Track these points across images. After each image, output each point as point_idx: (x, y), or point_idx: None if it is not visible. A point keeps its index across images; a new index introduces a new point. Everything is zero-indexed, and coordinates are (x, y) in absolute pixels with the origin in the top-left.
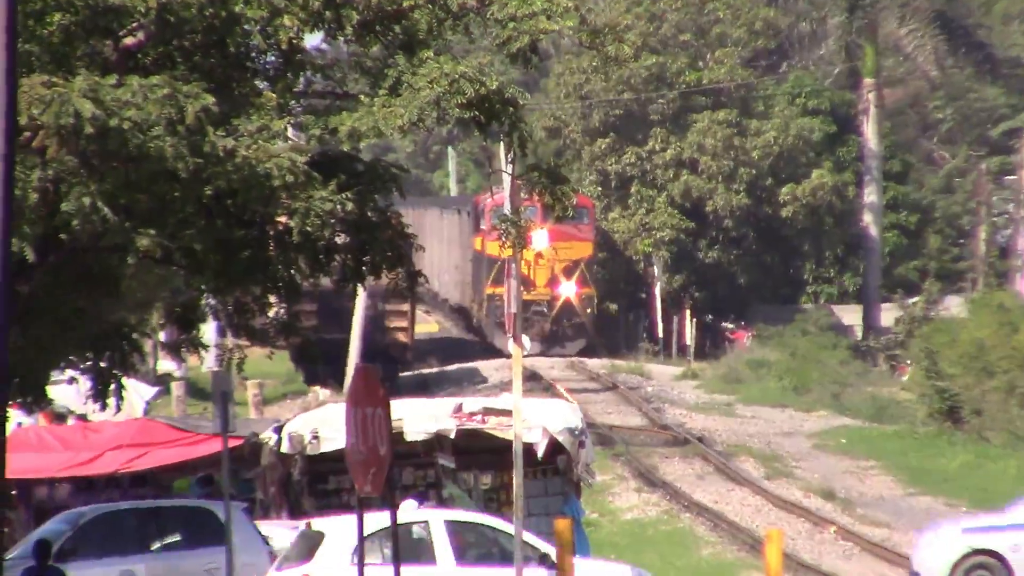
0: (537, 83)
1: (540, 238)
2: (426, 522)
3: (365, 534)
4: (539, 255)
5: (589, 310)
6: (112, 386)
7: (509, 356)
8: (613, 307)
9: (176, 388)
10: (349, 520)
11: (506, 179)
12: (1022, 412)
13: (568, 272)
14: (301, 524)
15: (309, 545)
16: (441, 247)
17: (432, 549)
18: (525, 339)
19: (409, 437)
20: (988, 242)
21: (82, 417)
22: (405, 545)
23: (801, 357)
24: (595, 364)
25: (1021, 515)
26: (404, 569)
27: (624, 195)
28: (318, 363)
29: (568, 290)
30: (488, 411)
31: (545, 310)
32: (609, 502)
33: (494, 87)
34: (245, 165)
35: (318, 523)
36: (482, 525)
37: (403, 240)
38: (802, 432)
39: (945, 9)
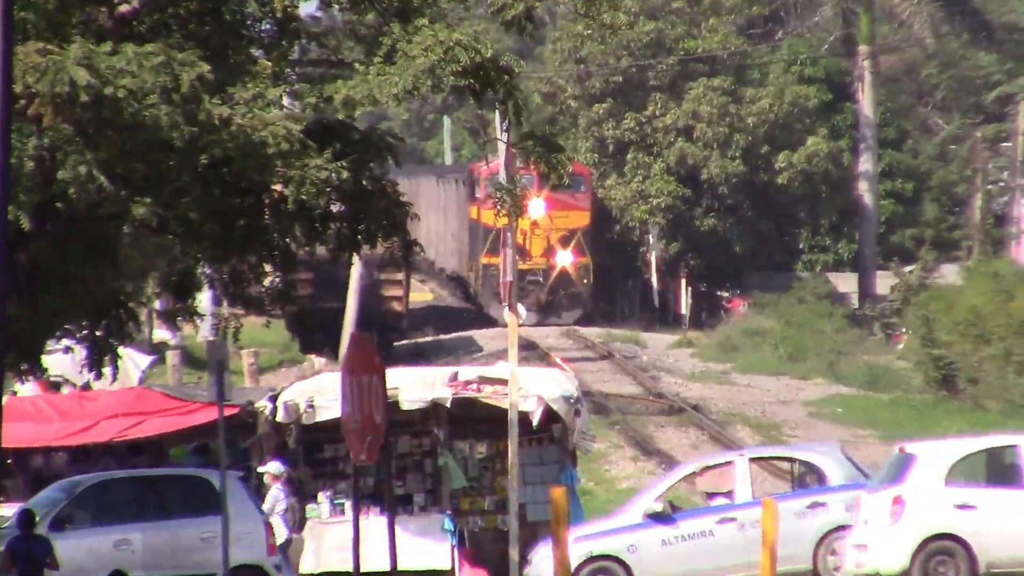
0: (532, 51)
1: (536, 207)
2: (1015, 446)
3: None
4: (535, 224)
5: (585, 280)
6: (108, 355)
7: (505, 325)
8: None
9: (172, 357)
10: (941, 443)
11: (501, 148)
12: (1018, 380)
13: (564, 241)
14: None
15: (900, 468)
16: (438, 216)
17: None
18: (521, 308)
19: (405, 406)
20: (984, 210)
21: (85, 386)
22: (996, 469)
23: (797, 325)
24: (590, 333)
25: (630, 516)
26: (997, 491)
27: (620, 162)
28: (314, 332)
29: (564, 259)
30: (484, 380)
31: (541, 279)
32: (605, 471)
33: (489, 55)
34: (240, 133)
35: (911, 446)
36: None
37: (398, 209)
38: (798, 400)
39: None
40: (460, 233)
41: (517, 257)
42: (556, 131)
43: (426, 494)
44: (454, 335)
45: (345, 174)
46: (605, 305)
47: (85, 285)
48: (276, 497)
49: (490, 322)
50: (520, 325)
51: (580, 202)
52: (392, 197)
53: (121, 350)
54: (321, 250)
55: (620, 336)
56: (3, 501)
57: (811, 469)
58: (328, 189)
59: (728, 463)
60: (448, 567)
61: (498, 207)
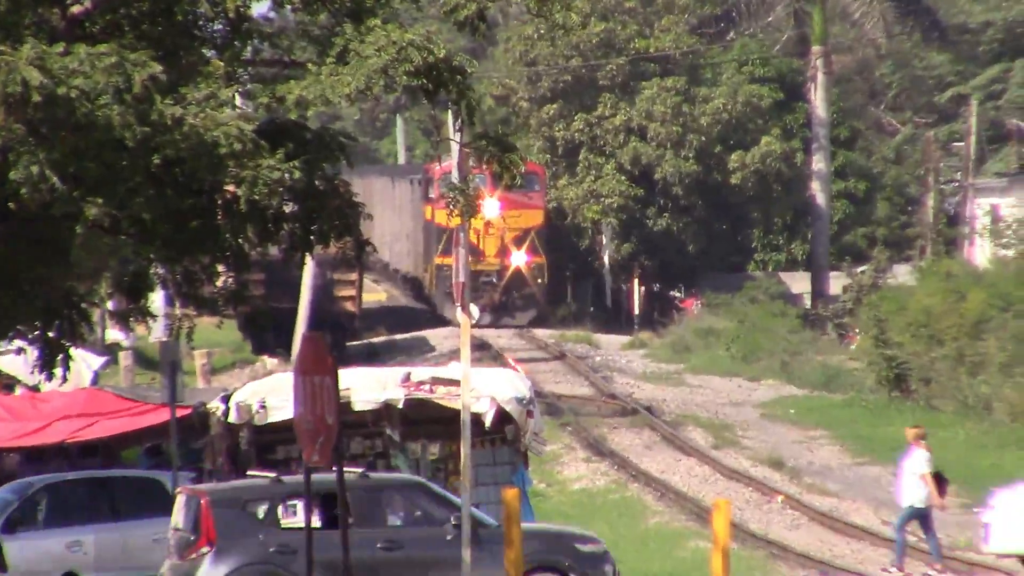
0: (485, 51)
1: (490, 207)
2: None
3: None
4: (489, 224)
5: (540, 280)
6: (60, 356)
7: (458, 325)
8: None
9: (124, 358)
10: None
11: (454, 147)
12: (971, 380)
13: (518, 241)
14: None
15: None
16: (392, 216)
17: None
18: (473, 308)
19: (357, 406)
20: (936, 210)
21: (34, 388)
22: None
23: (750, 325)
24: (543, 333)
25: None
26: None
27: (572, 162)
28: (267, 332)
29: (518, 259)
30: (436, 380)
31: (495, 280)
32: (557, 472)
33: (442, 55)
34: (193, 133)
35: None
36: None
37: (351, 209)
38: (750, 401)
39: None
40: (415, 233)
41: (471, 257)
42: (509, 131)
43: None
44: (407, 335)
45: (298, 174)
46: (558, 305)
47: (37, 285)
48: None
49: (443, 322)
50: (474, 326)
51: (534, 201)
52: (345, 197)
53: (73, 351)
54: (274, 250)
55: (572, 336)
56: None
57: None
58: (281, 189)
59: None
60: None
61: (450, 207)
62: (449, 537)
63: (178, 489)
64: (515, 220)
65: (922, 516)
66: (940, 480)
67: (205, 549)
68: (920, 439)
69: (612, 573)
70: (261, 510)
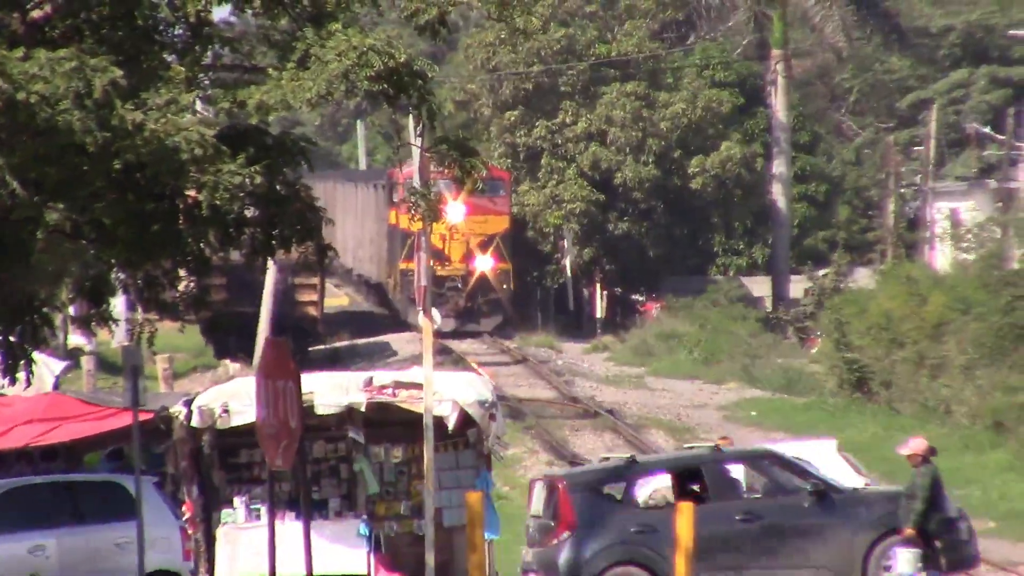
0: (446, 56)
1: (455, 212)
2: None
3: None
4: (454, 229)
5: (505, 285)
6: (22, 360)
7: (422, 330)
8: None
9: (86, 362)
10: None
11: (415, 152)
12: (931, 383)
13: (484, 246)
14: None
15: None
16: (356, 221)
17: None
18: (436, 313)
19: (320, 410)
20: (897, 214)
21: None
22: None
23: (711, 329)
24: (505, 338)
25: None
26: None
27: (534, 168)
28: (228, 336)
29: (484, 265)
30: (399, 384)
31: (460, 285)
32: (520, 475)
33: (403, 60)
34: (154, 138)
35: None
36: None
37: (312, 213)
38: (712, 404)
39: None
40: (378, 239)
41: (436, 263)
42: (470, 137)
43: (341, 499)
44: (369, 340)
45: (259, 179)
46: (520, 310)
47: None
48: None
49: (406, 327)
50: (440, 333)
51: (499, 207)
52: (306, 201)
53: (35, 355)
54: (235, 255)
55: (534, 340)
56: None
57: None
58: (242, 194)
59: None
60: (364, 572)
61: (412, 212)
62: (806, 504)
63: (535, 477)
64: (480, 226)
65: None
66: None
67: (566, 534)
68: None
69: (967, 530)
70: (619, 491)
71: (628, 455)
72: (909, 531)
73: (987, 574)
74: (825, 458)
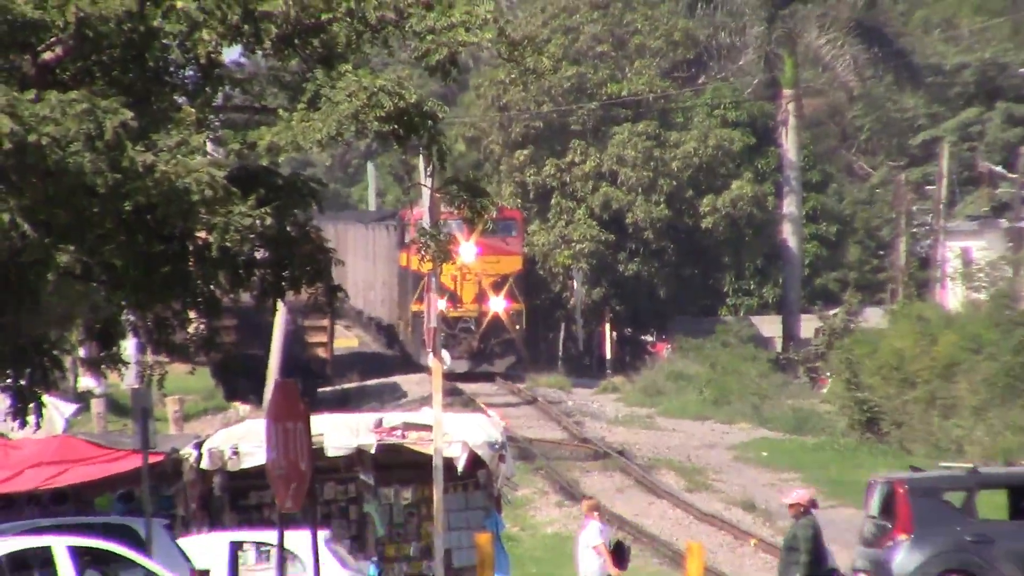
0: (456, 96)
1: (468, 252)
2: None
3: None
4: (466, 270)
5: (518, 326)
6: (32, 403)
7: (443, 373)
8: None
9: (96, 405)
10: None
11: (425, 193)
12: (943, 423)
13: (496, 287)
14: (215, 535)
15: None
16: (367, 263)
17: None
18: (445, 355)
19: (330, 452)
20: (908, 253)
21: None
22: None
23: (721, 369)
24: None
25: None
26: None
27: (544, 207)
28: (238, 378)
29: (496, 306)
30: (408, 426)
31: (472, 327)
32: (530, 516)
33: (413, 100)
34: (164, 180)
35: None
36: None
37: (322, 255)
38: (723, 444)
39: (864, 18)
40: (390, 280)
41: (448, 304)
42: (480, 176)
43: (351, 540)
44: (379, 381)
45: (269, 220)
46: (529, 350)
47: (8, 333)
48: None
49: (415, 367)
50: (453, 374)
51: (512, 247)
52: (316, 243)
53: (45, 398)
54: (245, 296)
55: (544, 381)
56: None
57: None
58: (252, 235)
59: None
60: None
61: (422, 252)
62: None
63: (873, 477)
64: (493, 266)
65: None
66: (620, 551)
67: (902, 537)
68: (594, 510)
69: None
70: (958, 499)
71: (970, 465)
72: None
73: None
74: None
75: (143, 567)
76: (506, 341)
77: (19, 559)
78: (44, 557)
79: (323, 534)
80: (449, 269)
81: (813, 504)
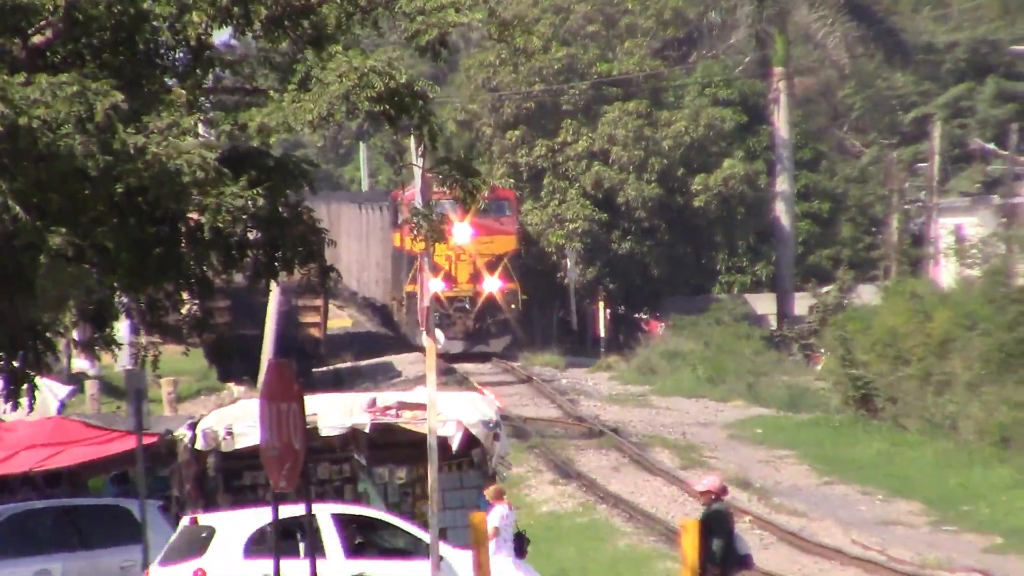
0: (446, 77)
1: (462, 232)
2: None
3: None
4: (461, 250)
5: (513, 305)
6: (25, 386)
7: (440, 354)
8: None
9: (90, 387)
10: (239, 514)
11: (417, 173)
12: (937, 399)
13: (491, 267)
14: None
15: (199, 540)
16: (360, 244)
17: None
18: (440, 334)
19: (324, 432)
20: (901, 230)
21: None
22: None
23: (715, 347)
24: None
25: None
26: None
27: (536, 187)
28: (232, 359)
29: (491, 286)
30: (402, 405)
31: (468, 307)
32: (525, 495)
33: (403, 80)
34: (156, 162)
35: (205, 518)
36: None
37: (315, 235)
38: (717, 422)
39: None
40: (384, 261)
41: (444, 285)
42: (472, 157)
43: None
44: (373, 361)
45: (261, 201)
46: (524, 330)
47: (0, 316)
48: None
49: (409, 347)
50: (448, 355)
51: (506, 227)
52: (309, 223)
53: (39, 380)
54: (238, 277)
55: (539, 360)
56: None
57: None
58: (244, 217)
59: None
60: None
61: (414, 232)
62: None
63: None
64: (487, 246)
65: None
66: (520, 541)
67: None
68: (499, 497)
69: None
70: None
71: None
72: (714, 571)
73: None
74: None
75: (409, 533)
76: (501, 321)
77: (284, 528)
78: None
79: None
80: (443, 250)
81: (724, 491)
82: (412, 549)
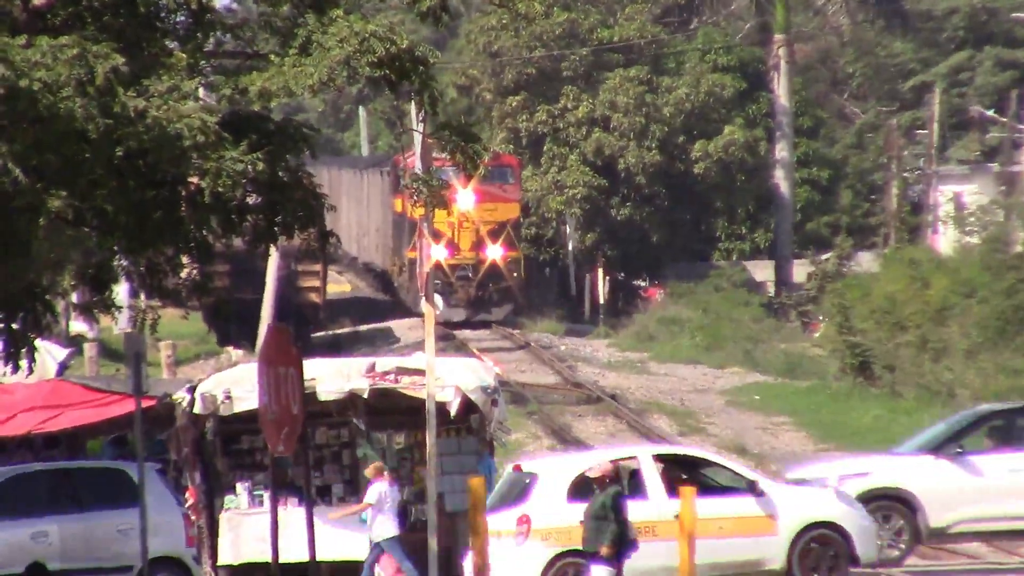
0: (447, 42)
1: (465, 199)
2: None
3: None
4: (463, 217)
5: (516, 273)
6: (24, 348)
7: (441, 322)
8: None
9: (89, 349)
10: (560, 460)
11: (417, 138)
12: (934, 366)
13: (494, 234)
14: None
15: (521, 487)
16: (361, 209)
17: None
18: (439, 299)
19: (322, 397)
20: (900, 197)
21: None
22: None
23: (714, 314)
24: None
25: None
26: None
27: (536, 153)
28: (231, 323)
29: (494, 253)
30: (401, 370)
31: (470, 274)
32: (522, 461)
33: (404, 45)
34: (156, 125)
35: (528, 464)
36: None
37: (315, 200)
38: (715, 389)
39: None
40: (384, 226)
41: (446, 251)
42: (472, 123)
43: (344, 485)
44: (372, 326)
45: (261, 166)
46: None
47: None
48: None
49: (407, 312)
50: (452, 323)
51: (509, 194)
52: (308, 188)
53: (38, 343)
54: (238, 242)
55: (540, 328)
56: None
57: None
58: (244, 181)
59: None
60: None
61: (414, 198)
62: None
63: None
64: (491, 213)
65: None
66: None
67: None
68: (379, 473)
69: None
70: None
71: None
72: (605, 549)
73: (991, 555)
74: None
75: (731, 470)
76: (504, 289)
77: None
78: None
79: None
80: (446, 217)
81: (617, 474)
82: (735, 486)
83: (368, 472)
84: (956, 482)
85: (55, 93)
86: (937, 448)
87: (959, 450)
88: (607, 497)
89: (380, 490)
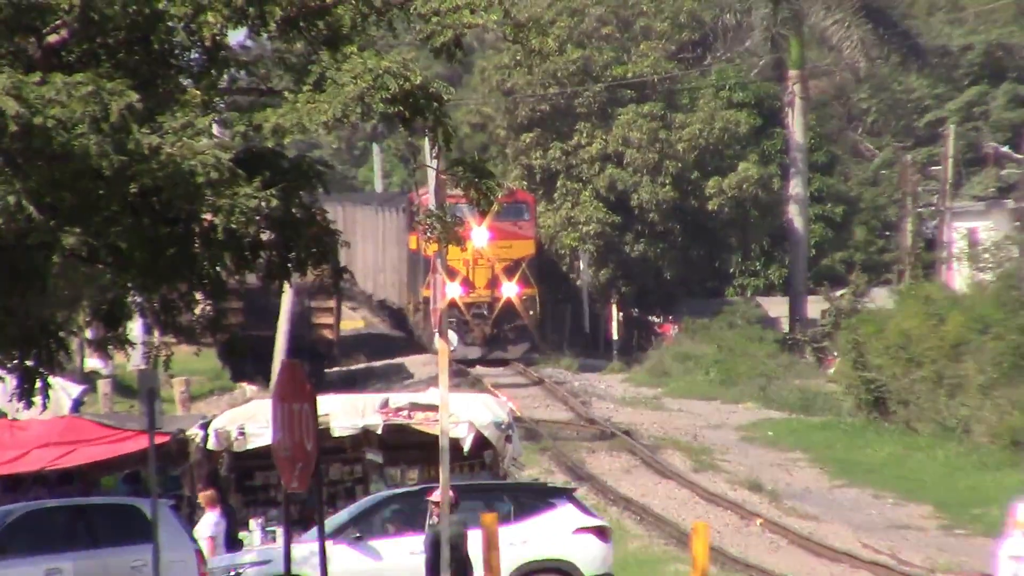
0: (461, 79)
1: (480, 237)
2: None
3: None
4: (478, 255)
5: (532, 311)
6: (39, 384)
7: (457, 360)
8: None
9: (103, 386)
10: None
11: (431, 175)
12: (949, 402)
13: (509, 272)
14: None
15: None
16: (376, 246)
17: None
18: (453, 336)
19: (336, 433)
20: (914, 234)
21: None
22: None
23: (728, 350)
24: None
25: None
26: None
27: (550, 190)
28: (245, 359)
29: (510, 291)
30: (415, 406)
31: (486, 312)
32: None
33: (418, 82)
34: (170, 162)
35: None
36: None
37: (328, 236)
38: (729, 424)
39: None
40: (399, 264)
41: (462, 289)
42: (486, 159)
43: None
44: (385, 362)
45: (275, 202)
46: (540, 333)
47: (14, 314)
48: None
49: (421, 348)
50: (467, 361)
51: (524, 231)
52: (322, 224)
53: (52, 379)
54: (252, 278)
55: (551, 362)
56: None
57: None
58: (258, 217)
59: None
60: None
61: (427, 234)
62: None
63: None
64: (506, 250)
65: None
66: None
67: None
68: (212, 503)
69: None
70: None
71: None
72: None
73: None
74: None
75: None
76: (519, 327)
77: None
78: None
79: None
80: (461, 254)
81: (456, 502)
82: None
83: (202, 500)
84: (356, 566)
85: (69, 130)
86: (336, 533)
87: (357, 535)
88: (453, 524)
89: (212, 521)
